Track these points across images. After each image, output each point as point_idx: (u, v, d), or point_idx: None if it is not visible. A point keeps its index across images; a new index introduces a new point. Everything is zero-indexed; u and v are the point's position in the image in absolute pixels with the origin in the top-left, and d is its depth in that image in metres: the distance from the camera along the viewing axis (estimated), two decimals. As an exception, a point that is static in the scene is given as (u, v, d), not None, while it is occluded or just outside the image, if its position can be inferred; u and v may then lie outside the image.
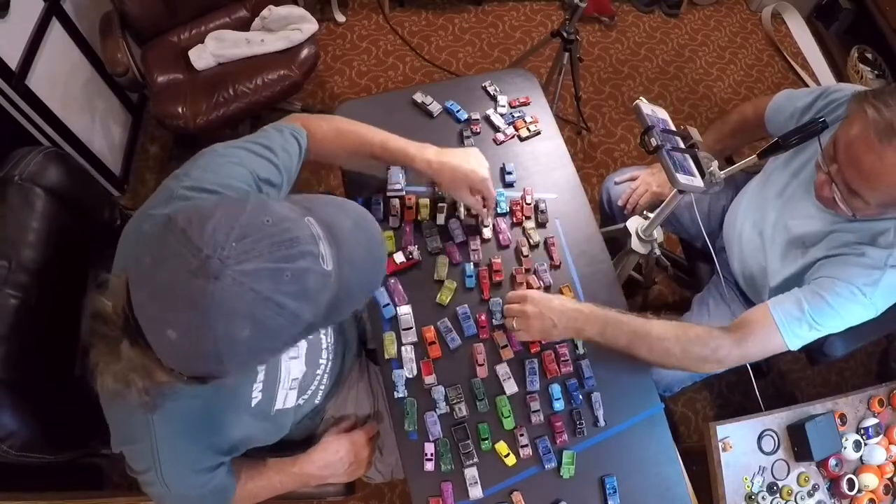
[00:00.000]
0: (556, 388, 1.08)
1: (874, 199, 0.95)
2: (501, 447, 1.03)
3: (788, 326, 1.00)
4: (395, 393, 1.05)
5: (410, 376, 1.06)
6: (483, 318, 1.12)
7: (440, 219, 1.19)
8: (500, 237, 1.20)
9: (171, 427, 0.75)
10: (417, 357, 1.08)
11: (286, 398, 0.92)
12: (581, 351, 1.12)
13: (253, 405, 0.86)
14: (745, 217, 1.31)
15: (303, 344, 0.96)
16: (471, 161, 1.10)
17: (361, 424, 1.16)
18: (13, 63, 1.58)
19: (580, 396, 1.08)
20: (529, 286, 1.15)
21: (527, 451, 1.03)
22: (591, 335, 1.02)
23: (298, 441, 1.12)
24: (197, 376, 0.61)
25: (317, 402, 1.04)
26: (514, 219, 1.23)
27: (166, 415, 0.73)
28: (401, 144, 1.07)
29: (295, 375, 0.94)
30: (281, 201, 0.62)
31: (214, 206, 0.58)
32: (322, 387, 1.03)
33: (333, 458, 1.06)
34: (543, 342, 1.11)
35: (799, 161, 1.19)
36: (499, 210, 1.23)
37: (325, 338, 1.03)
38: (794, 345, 1.02)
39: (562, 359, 1.10)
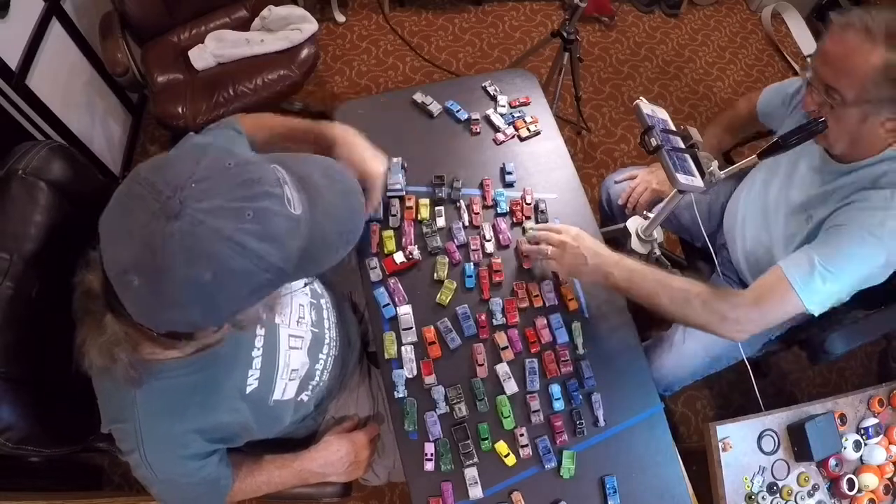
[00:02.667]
0: (556, 388, 1.08)
1: (849, 91, 0.96)
2: (501, 447, 1.03)
3: (802, 282, 0.99)
4: (395, 393, 1.05)
5: (410, 376, 1.07)
6: (483, 318, 1.12)
7: (440, 222, 1.19)
8: (500, 237, 1.20)
9: (155, 406, 0.74)
10: (417, 357, 1.08)
11: (285, 389, 0.92)
12: (581, 351, 1.12)
13: (248, 392, 0.85)
14: (747, 203, 1.33)
15: (307, 335, 0.97)
16: (372, 154, 1.05)
17: (362, 425, 1.16)
18: (13, 63, 1.58)
19: (580, 396, 1.08)
20: (529, 292, 1.15)
21: (527, 451, 1.03)
22: (618, 280, 1.05)
23: (300, 440, 1.12)
24: (169, 333, 0.61)
25: (319, 398, 1.05)
26: (514, 219, 1.23)
27: (151, 393, 0.73)
28: (309, 123, 1.05)
29: (295, 367, 0.94)
30: (248, 152, 0.62)
31: (178, 152, 0.59)
32: (322, 383, 1.04)
33: (334, 457, 1.06)
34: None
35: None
36: (499, 210, 1.23)
37: (328, 332, 1.03)
38: (811, 301, 0.99)
39: (562, 359, 1.10)
